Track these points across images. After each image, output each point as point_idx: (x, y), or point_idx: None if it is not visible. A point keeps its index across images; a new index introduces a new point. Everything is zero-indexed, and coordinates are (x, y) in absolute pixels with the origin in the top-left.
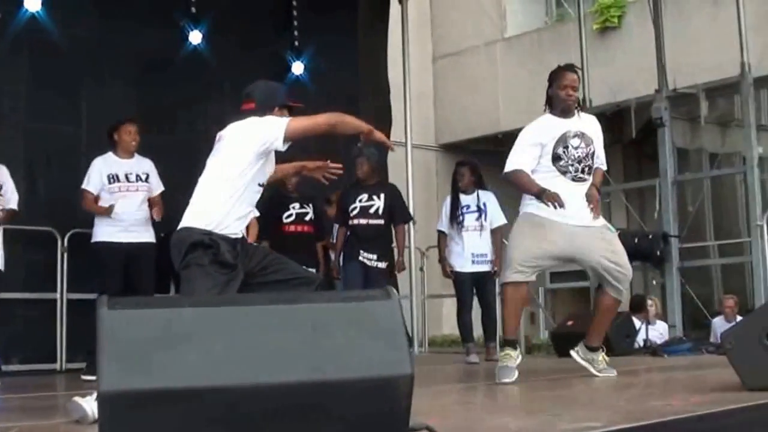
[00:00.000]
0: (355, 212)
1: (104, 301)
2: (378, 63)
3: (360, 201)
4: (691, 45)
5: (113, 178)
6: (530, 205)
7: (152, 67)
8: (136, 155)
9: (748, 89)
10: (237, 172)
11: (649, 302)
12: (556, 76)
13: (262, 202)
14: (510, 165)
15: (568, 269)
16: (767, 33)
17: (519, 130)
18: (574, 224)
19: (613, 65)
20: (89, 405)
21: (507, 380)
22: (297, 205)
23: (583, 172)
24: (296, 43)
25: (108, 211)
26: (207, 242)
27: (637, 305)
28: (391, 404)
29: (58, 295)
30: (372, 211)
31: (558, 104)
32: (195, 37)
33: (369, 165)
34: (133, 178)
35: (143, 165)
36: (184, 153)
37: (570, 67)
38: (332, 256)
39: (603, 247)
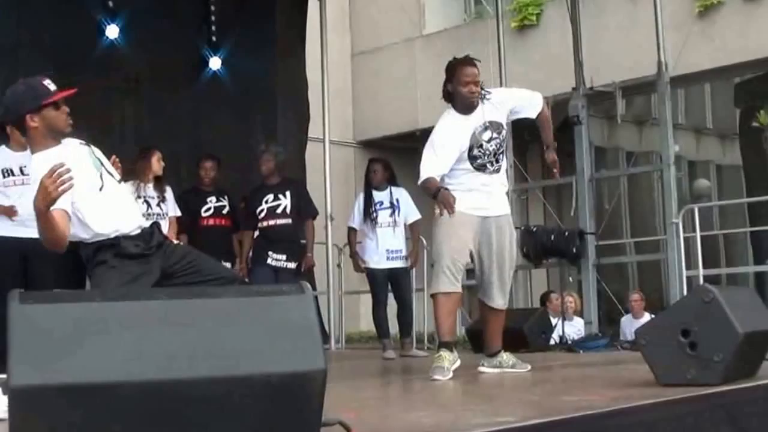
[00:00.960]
0: (262, 214)
1: (16, 296)
2: (296, 58)
3: (266, 202)
4: (608, 43)
5: (7, 173)
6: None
7: (69, 61)
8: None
9: (665, 88)
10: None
11: (569, 299)
12: (454, 72)
13: (178, 198)
14: (423, 174)
15: None
16: (684, 32)
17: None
18: (490, 215)
19: (531, 63)
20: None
21: (438, 377)
22: (213, 198)
23: (498, 161)
24: (213, 38)
25: (8, 212)
26: (108, 243)
27: (543, 301)
28: (303, 399)
29: None
30: (279, 210)
31: (461, 101)
32: (112, 31)
33: (274, 162)
34: (27, 170)
35: None
36: (101, 148)
37: (468, 61)
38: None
39: (506, 248)
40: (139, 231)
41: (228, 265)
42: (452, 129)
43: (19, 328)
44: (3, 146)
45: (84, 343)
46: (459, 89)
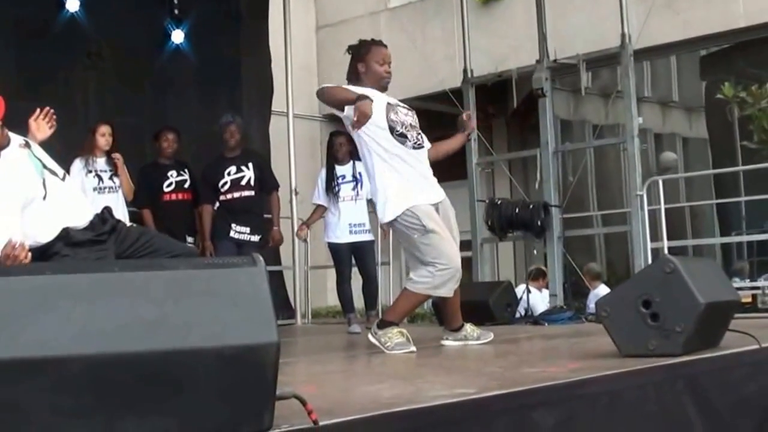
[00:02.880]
0: (226, 186)
1: None
2: (259, 32)
3: (229, 174)
4: (573, 16)
5: None
6: (411, 197)
7: (29, 35)
8: None
9: (628, 60)
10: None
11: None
12: (370, 50)
13: (139, 172)
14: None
15: None
16: (648, 4)
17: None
18: (438, 203)
19: (496, 36)
20: None
21: (413, 348)
22: (174, 172)
23: (419, 137)
24: (176, 11)
25: None
26: (55, 237)
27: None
28: (257, 372)
29: None
30: (243, 182)
31: (376, 80)
32: (72, 4)
33: (240, 134)
34: None
35: None
36: (63, 122)
37: (383, 44)
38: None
39: (455, 231)
40: (87, 223)
41: (191, 240)
42: (369, 92)
43: None
44: None
45: (31, 317)
46: (375, 68)
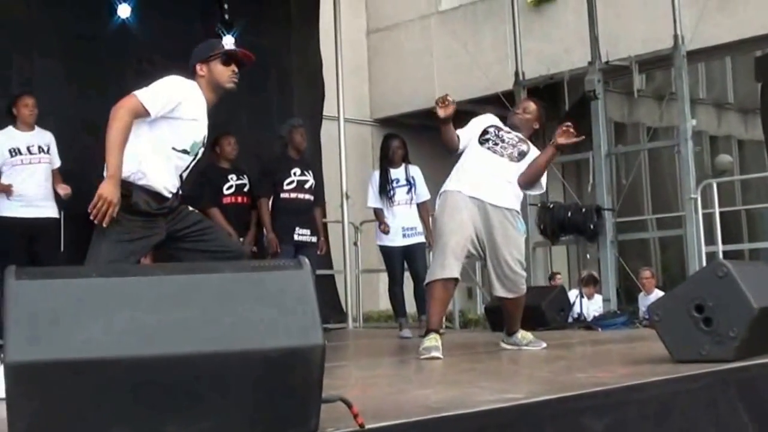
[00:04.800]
0: (291, 186)
1: (12, 272)
2: (310, 36)
3: (295, 175)
4: (625, 17)
5: (15, 152)
6: (450, 182)
7: (81, 42)
8: (37, 128)
9: (681, 62)
10: (143, 128)
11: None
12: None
13: (199, 174)
14: None
15: None
16: (700, 5)
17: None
18: (488, 201)
19: (548, 38)
20: None
21: (437, 354)
22: (234, 176)
23: (497, 145)
24: (226, 17)
25: (6, 189)
26: (122, 192)
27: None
28: (302, 375)
29: None
30: (306, 186)
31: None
32: (123, 10)
33: (305, 137)
34: (35, 150)
35: (44, 137)
36: None
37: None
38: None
39: (510, 235)
40: (160, 192)
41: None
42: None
43: (15, 304)
44: (10, 126)
45: (79, 319)
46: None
